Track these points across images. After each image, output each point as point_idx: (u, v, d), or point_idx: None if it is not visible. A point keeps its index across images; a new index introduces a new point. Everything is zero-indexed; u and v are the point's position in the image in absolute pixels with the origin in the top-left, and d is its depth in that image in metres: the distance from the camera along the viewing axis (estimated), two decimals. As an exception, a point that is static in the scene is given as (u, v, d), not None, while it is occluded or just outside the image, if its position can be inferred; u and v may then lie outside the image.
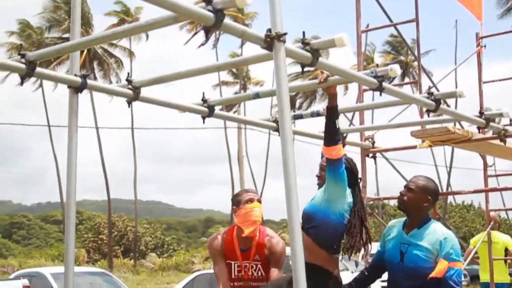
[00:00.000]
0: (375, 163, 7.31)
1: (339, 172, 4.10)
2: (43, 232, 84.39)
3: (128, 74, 4.66)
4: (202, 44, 49.56)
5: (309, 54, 3.75)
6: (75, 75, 4.25)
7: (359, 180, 4.40)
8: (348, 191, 4.22)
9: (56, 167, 44.94)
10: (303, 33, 3.78)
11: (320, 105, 50.23)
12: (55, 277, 13.23)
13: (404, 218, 4.38)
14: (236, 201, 4.74)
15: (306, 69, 3.83)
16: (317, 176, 4.44)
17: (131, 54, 46.72)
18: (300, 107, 49.95)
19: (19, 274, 15.30)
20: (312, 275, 4.03)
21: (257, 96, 4.98)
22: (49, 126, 45.33)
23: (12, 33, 45.54)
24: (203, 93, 5.07)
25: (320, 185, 4.41)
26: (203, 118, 5.10)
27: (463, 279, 4.66)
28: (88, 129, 45.76)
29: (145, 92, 4.61)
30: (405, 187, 4.31)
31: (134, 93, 4.54)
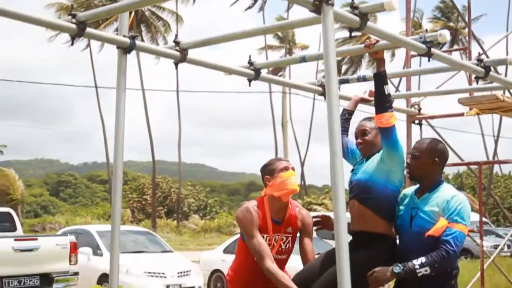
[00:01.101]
0: (421, 130, 7.25)
1: (392, 140, 4.07)
2: (89, 191, 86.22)
3: (176, 36, 4.70)
4: (250, 7, 49.36)
5: (357, 18, 3.72)
6: (124, 36, 4.31)
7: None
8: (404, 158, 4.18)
9: (103, 128, 45.64)
10: (352, -4, 3.75)
11: (366, 72, 49.72)
12: (101, 234, 13.53)
13: (417, 186, 4.26)
14: (269, 170, 4.50)
15: (353, 33, 3.81)
16: (358, 143, 4.39)
17: (177, 17, 46.78)
18: (345, 73, 49.49)
19: (66, 230, 15.70)
20: (376, 242, 4.10)
21: (303, 59, 4.97)
22: (96, 87, 45.94)
23: (62, -7, 46.00)
24: (250, 56, 5.08)
25: (362, 151, 4.38)
26: (249, 80, 5.11)
27: (493, 247, 4.42)
28: (134, 91, 46.12)
29: (192, 54, 4.64)
30: (410, 156, 4.18)
31: (181, 55, 4.58)
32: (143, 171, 74.40)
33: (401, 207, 4.21)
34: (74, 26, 3.96)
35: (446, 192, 4.02)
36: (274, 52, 52.26)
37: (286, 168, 4.44)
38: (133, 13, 42.91)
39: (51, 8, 45.41)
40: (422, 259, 3.81)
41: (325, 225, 4.72)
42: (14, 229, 13.20)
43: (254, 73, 5.05)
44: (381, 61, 4.16)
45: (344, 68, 50.76)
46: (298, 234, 4.54)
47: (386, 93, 4.07)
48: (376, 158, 4.24)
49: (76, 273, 12.04)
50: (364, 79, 5.43)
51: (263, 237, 4.37)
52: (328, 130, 3.32)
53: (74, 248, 12.07)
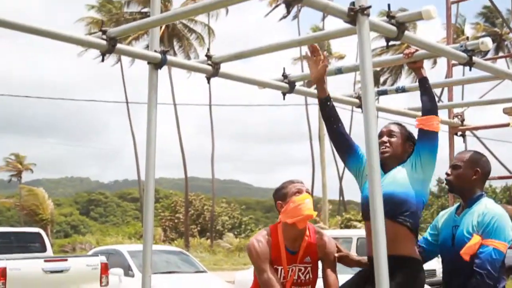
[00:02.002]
0: (464, 141, 7.20)
1: (434, 147, 3.96)
2: (120, 209, 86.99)
3: (208, 49, 4.77)
4: (284, 17, 49.57)
5: (394, 28, 3.73)
6: (155, 51, 4.38)
7: None
8: None
9: (134, 144, 46.16)
10: (388, 5, 3.77)
11: (406, 81, 49.41)
12: (132, 254, 13.64)
13: (457, 204, 4.19)
14: (281, 194, 4.23)
15: (391, 43, 3.83)
16: (382, 142, 4.07)
17: (209, 30, 47.15)
18: (384, 83, 49.28)
19: (97, 251, 15.89)
20: (412, 267, 3.89)
21: (339, 71, 4.99)
22: (127, 102, 46.52)
23: (92, 7, 46.78)
24: (284, 69, 5.11)
25: (387, 153, 4.07)
26: (284, 94, 5.14)
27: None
28: (166, 106, 46.54)
29: (224, 67, 4.70)
30: (450, 166, 4.12)
31: (213, 69, 4.63)
32: (175, 188, 74.89)
33: (442, 229, 4.14)
34: (104, 42, 4.04)
35: (483, 206, 3.94)
36: (310, 63, 52.26)
37: (299, 192, 4.16)
38: (164, 26, 43.40)
39: (82, 22, 46.22)
40: None
41: (343, 261, 4.38)
42: (44, 249, 13.41)
43: (289, 86, 5.08)
44: (420, 70, 4.17)
45: (382, 78, 50.54)
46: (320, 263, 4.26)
47: (434, 96, 4.08)
48: (402, 169, 4.01)
49: (107, 295, 12.18)
50: (403, 90, 5.44)
51: (276, 269, 4.13)
52: (365, 144, 3.34)
53: (105, 269, 12.22)
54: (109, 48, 4.06)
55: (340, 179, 52.44)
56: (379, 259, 3.22)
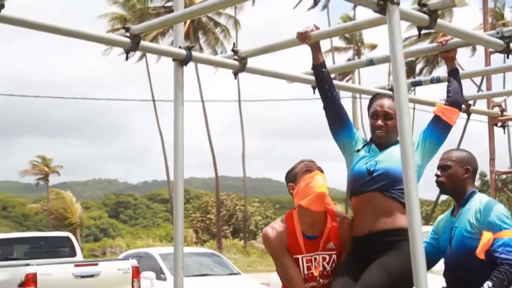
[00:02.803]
0: (505, 132, 7.14)
1: (444, 139, 4.01)
2: (150, 211, 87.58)
3: (234, 44, 4.80)
4: (313, 7, 49.43)
5: (426, 16, 3.73)
6: (180, 47, 4.42)
7: None
8: None
9: (162, 143, 46.34)
10: (420, -7, 3.77)
11: (442, 71, 48.96)
12: (164, 257, 13.74)
13: (451, 209, 4.26)
14: (292, 176, 4.07)
15: (423, 31, 3.82)
16: (378, 126, 4.05)
17: (236, 22, 47.19)
18: (420, 73, 48.87)
19: (127, 254, 16.05)
20: (406, 238, 3.68)
21: (371, 62, 4.99)
22: (153, 100, 46.76)
23: (115, 2, 47.11)
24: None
25: (380, 138, 4.05)
26: (313, 88, 5.14)
27: None
28: (194, 103, 46.78)
29: (251, 62, 4.73)
30: (438, 167, 4.15)
31: (240, 64, 4.67)
32: (206, 188, 75.17)
33: (441, 233, 4.19)
34: (128, 40, 4.10)
35: (478, 202, 4.00)
36: (341, 54, 52.14)
37: (309, 170, 4.00)
38: (188, 21, 43.57)
39: (105, 18, 46.56)
40: (489, 283, 3.76)
41: None
42: (73, 254, 13.58)
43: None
44: (453, 60, 4.17)
45: (418, 67, 50.12)
46: None
47: (462, 90, 4.11)
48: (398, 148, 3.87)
49: (139, 299, 12.29)
50: (438, 80, 5.41)
51: (297, 259, 3.93)
52: (399, 136, 3.35)
53: (136, 272, 12.33)
54: (133, 45, 4.12)
55: (377, 174, 52.14)
56: (416, 249, 3.24)
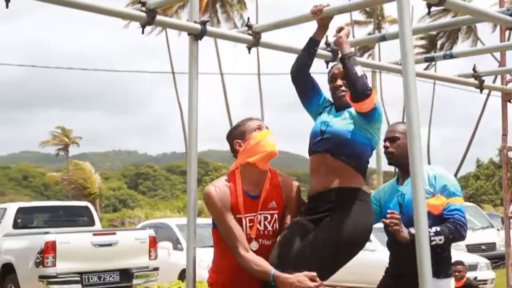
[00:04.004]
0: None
1: (375, 114, 3.92)
2: (169, 183, 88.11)
3: (248, 18, 4.86)
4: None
5: (436, -7, 3.78)
6: (195, 21, 4.49)
7: None
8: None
9: (181, 116, 46.43)
10: (430, -30, 3.81)
11: (463, 45, 48.60)
12: (181, 228, 13.87)
13: (394, 178, 4.41)
14: (239, 132, 3.96)
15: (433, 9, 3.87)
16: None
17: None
18: (441, 48, 48.52)
19: (145, 224, 16.25)
20: (355, 197, 3.82)
21: (383, 38, 5.05)
22: (173, 72, 46.83)
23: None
24: (326, 37, 5.16)
25: (343, 97, 4.05)
26: (327, 63, 5.19)
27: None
28: (213, 76, 46.81)
29: (265, 37, 4.78)
30: (386, 139, 4.29)
31: (254, 39, 4.72)
32: (224, 160, 75.37)
33: (386, 200, 4.33)
34: (144, 14, 4.18)
35: (428, 170, 4.19)
36: (361, 28, 51.77)
37: (260, 128, 3.92)
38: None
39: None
40: (437, 228, 3.96)
41: None
42: (92, 223, 13.78)
43: (332, 54, 5.14)
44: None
45: (440, 42, 49.75)
46: None
47: (360, 74, 3.85)
48: (352, 111, 3.98)
49: (156, 269, 12.49)
50: (451, 56, 5.46)
51: (240, 219, 3.80)
52: (405, 112, 3.42)
53: (153, 242, 12.52)
54: (149, 20, 4.20)
55: (395, 149, 52.04)
56: (420, 224, 3.33)
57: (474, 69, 5.91)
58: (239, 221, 3.81)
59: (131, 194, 78.10)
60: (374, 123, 3.95)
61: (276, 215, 3.87)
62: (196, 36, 4.46)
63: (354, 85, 3.83)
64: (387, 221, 3.98)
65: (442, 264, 4.17)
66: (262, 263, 3.67)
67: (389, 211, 4.01)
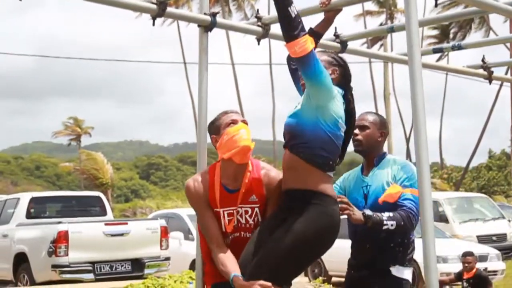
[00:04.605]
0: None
1: (312, 69, 3.54)
2: (180, 173, 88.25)
3: (258, 10, 4.91)
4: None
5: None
6: (205, 13, 4.55)
7: (351, 85, 3.91)
8: (339, 93, 3.73)
9: (192, 106, 46.52)
10: (437, -37, 3.85)
11: (476, 35, 48.36)
12: (192, 218, 13.93)
13: (359, 166, 4.40)
14: (215, 127, 3.92)
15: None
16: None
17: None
18: (454, 38, 48.32)
19: (156, 214, 16.36)
20: (308, 203, 3.60)
21: (391, 30, 5.08)
22: (184, 63, 46.92)
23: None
24: (335, 28, 5.22)
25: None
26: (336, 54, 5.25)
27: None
28: (225, 66, 46.92)
29: (275, 28, 4.82)
30: (356, 127, 4.15)
31: (263, 30, 4.78)
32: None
33: (351, 190, 4.29)
34: (154, 6, 4.25)
35: (396, 162, 4.20)
36: (374, 18, 51.58)
37: (234, 122, 3.85)
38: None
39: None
40: (390, 213, 3.93)
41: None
42: (104, 213, 13.90)
43: (341, 46, 5.19)
44: (330, 20, 4.23)
45: (452, 32, 49.55)
46: None
47: (294, 15, 3.52)
48: (304, 96, 3.74)
49: (167, 258, 12.59)
50: (459, 47, 5.49)
51: (218, 212, 3.81)
52: (411, 105, 3.46)
53: (165, 232, 12.62)
54: (159, 12, 4.28)
55: (407, 140, 51.95)
56: (426, 224, 3.37)
57: (483, 60, 5.93)
58: (217, 215, 3.82)
59: (143, 185, 78.32)
60: (320, 86, 3.58)
61: (257, 209, 3.84)
62: (206, 27, 4.53)
63: (283, 24, 3.56)
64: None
65: (404, 253, 4.14)
66: (228, 264, 3.67)
67: (338, 198, 3.82)
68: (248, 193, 3.82)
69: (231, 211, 3.82)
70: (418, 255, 3.89)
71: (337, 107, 3.65)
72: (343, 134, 3.74)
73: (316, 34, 4.12)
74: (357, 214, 3.88)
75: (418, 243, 3.87)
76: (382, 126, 4.28)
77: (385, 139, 4.30)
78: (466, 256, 10.11)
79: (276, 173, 3.89)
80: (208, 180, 3.85)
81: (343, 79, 3.84)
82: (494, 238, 17.50)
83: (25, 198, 13.38)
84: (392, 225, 3.89)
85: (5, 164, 78.56)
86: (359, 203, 4.16)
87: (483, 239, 16.77)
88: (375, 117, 4.31)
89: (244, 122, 3.88)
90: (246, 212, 3.83)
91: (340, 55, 4.03)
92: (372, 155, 4.26)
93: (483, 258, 13.04)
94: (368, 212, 3.87)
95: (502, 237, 17.88)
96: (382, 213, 3.90)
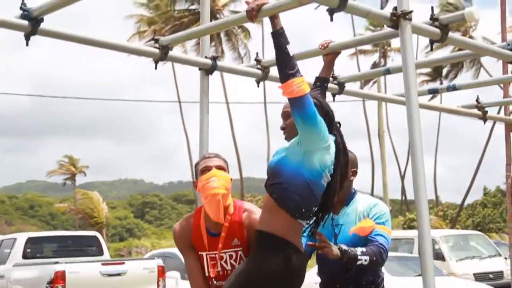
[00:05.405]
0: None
1: (308, 113, 3.45)
2: (175, 212, 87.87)
3: (257, 54, 5.04)
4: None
5: (437, 30, 3.94)
6: (206, 57, 4.67)
7: (335, 123, 3.78)
8: (331, 140, 3.63)
9: (187, 145, 46.60)
10: (432, 8, 3.97)
11: (468, 74, 48.81)
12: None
13: None
14: (195, 172, 3.95)
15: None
16: (281, 128, 3.86)
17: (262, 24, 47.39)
18: (447, 76, 48.74)
19: (153, 254, 16.31)
20: (264, 246, 3.55)
21: (387, 72, 5.20)
22: (179, 102, 47.07)
23: (141, 4, 47.53)
24: (333, 71, 5.33)
25: (288, 139, 3.81)
26: (333, 95, 5.37)
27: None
28: (219, 105, 47.14)
29: (274, 71, 4.93)
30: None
31: (263, 73, 4.90)
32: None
33: (320, 230, 4.00)
34: (157, 51, 4.38)
35: (368, 200, 4.14)
36: (367, 57, 52.04)
37: (207, 169, 3.82)
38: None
39: (131, 19, 46.97)
40: (363, 248, 3.83)
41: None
42: (101, 253, 13.85)
43: (338, 87, 5.31)
44: (331, 63, 4.30)
45: (445, 71, 49.99)
46: None
47: (291, 54, 3.49)
48: (293, 139, 3.66)
49: (164, 299, 12.53)
50: (454, 88, 5.61)
51: (201, 256, 3.83)
52: (409, 144, 3.56)
53: (162, 272, 12.57)
54: (162, 56, 4.41)
55: (402, 178, 52.05)
56: (425, 260, 3.44)
57: (477, 100, 6.05)
58: (201, 259, 3.85)
59: (138, 223, 77.91)
60: (312, 131, 3.50)
61: (241, 252, 3.80)
62: (207, 71, 4.64)
63: (280, 64, 3.50)
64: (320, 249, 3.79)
65: None
66: None
67: (317, 236, 3.76)
68: (229, 237, 3.79)
69: (213, 256, 3.81)
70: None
71: (325, 158, 3.56)
72: (325, 184, 3.63)
73: (323, 79, 4.23)
74: (335, 250, 3.75)
75: (396, 281, 3.87)
76: (353, 165, 4.13)
77: (355, 177, 4.18)
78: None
79: (258, 215, 3.79)
80: (192, 224, 3.88)
81: (323, 118, 3.60)
82: (491, 276, 17.47)
83: (21, 238, 13.35)
84: (365, 260, 3.80)
85: (-1, 204, 78.29)
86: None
87: (480, 277, 16.75)
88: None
89: (219, 167, 3.83)
90: (231, 256, 3.81)
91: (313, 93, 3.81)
92: (344, 194, 4.08)
93: (481, 296, 13.03)
94: (344, 246, 3.77)
95: (499, 275, 17.84)
96: (356, 248, 3.83)
